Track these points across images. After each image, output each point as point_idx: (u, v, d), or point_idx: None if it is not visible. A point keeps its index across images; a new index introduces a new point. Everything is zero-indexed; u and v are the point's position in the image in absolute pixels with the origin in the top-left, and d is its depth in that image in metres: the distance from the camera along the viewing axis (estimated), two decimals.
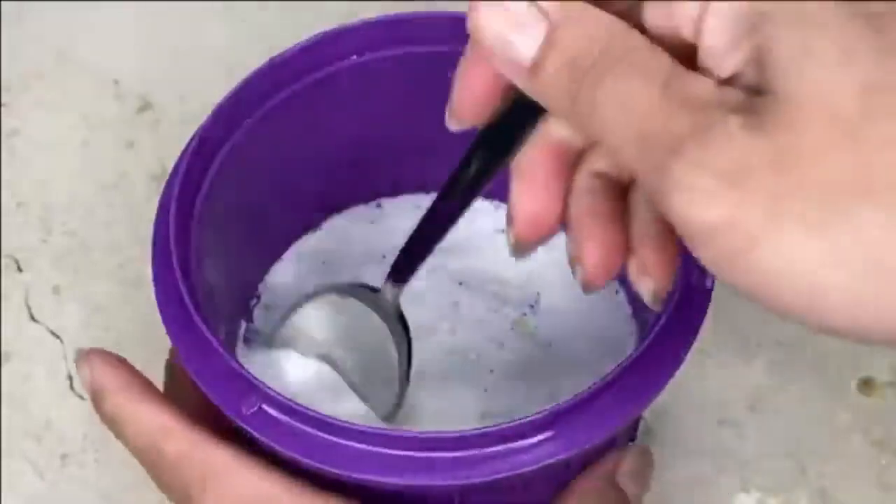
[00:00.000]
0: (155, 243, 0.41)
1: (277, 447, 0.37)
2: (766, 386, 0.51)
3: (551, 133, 0.34)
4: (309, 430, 0.37)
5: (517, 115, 0.34)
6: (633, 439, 0.46)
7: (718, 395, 0.50)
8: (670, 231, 0.32)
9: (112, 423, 0.40)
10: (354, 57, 0.45)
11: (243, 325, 0.48)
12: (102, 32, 0.63)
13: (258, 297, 0.49)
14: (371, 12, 0.63)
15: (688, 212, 0.28)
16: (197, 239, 0.41)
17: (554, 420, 0.36)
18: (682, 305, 0.39)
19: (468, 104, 0.34)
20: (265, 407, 0.37)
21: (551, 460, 0.36)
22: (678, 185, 0.27)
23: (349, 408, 0.44)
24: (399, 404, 0.44)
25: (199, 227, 0.42)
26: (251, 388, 0.37)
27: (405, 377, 0.43)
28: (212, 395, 0.38)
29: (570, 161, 0.34)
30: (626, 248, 0.34)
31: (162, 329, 0.53)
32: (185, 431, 0.38)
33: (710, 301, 0.40)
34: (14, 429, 0.51)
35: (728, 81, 0.29)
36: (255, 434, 0.37)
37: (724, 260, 0.28)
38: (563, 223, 0.35)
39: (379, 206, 0.51)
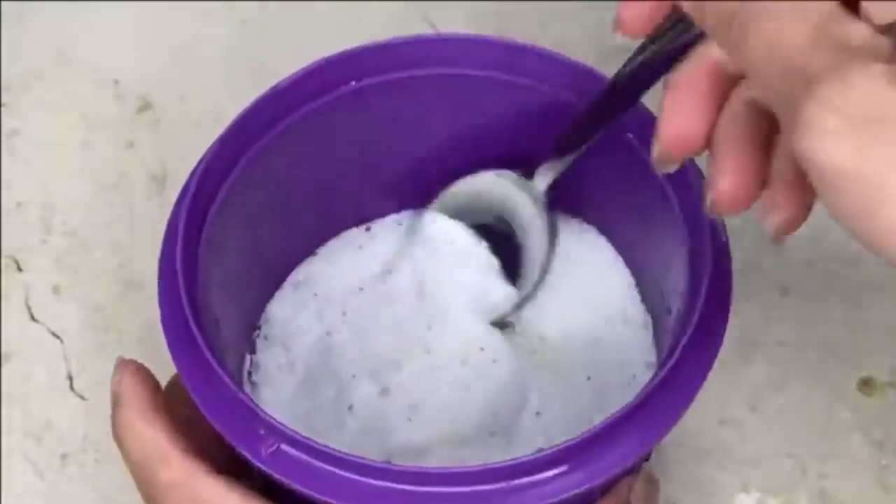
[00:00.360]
0: (162, 285, 0.41)
1: (298, 487, 0.36)
2: (766, 386, 0.51)
3: (711, 53, 0.34)
4: (327, 467, 0.36)
5: (678, 32, 0.35)
6: (647, 458, 0.46)
7: (718, 395, 0.50)
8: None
9: (117, 433, 0.40)
10: (353, 83, 0.45)
11: (248, 357, 0.48)
12: (102, 32, 0.63)
13: (258, 328, 0.48)
14: (371, 11, 0.63)
15: (814, 152, 0.27)
16: (203, 274, 0.41)
17: (569, 454, 0.36)
18: (698, 333, 0.39)
19: (635, 16, 0.35)
20: (283, 447, 0.37)
21: (566, 494, 0.36)
22: (809, 124, 0.27)
23: (493, 284, 0.45)
24: (532, 294, 0.45)
25: (204, 261, 0.41)
26: (269, 428, 0.37)
27: (546, 265, 0.44)
28: (228, 436, 0.37)
29: (726, 84, 0.34)
30: (762, 182, 0.34)
31: (160, 329, 0.53)
32: (182, 461, 0.38)
33: (725, 329, 0.39)
34: (14, 429, 0.51)
35: (886, 30, 0.29)
36: (275, 475, 0.37)
37: (847, 209, 0.27)
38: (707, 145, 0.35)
39: (368, 229, 0.51)
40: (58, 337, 0.53)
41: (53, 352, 0.53)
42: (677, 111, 0.34)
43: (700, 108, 0.34)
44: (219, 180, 0.43)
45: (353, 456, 0.36)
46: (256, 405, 0.37)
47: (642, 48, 0.37)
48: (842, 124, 0.27)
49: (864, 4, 0.29)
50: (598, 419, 0.37)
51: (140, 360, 0.53)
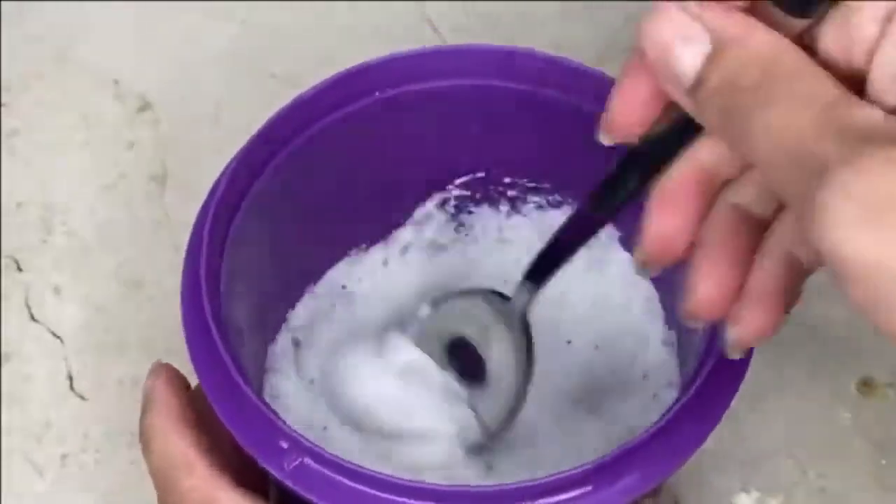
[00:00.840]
0: (186, 296, 0.41)
1: (319, 502, 0.36)
2: (766, 386, 0.51)
3: (699, 156, 0.34)
4: (350, 483, 0.36)
5: (675, 134, 0.34)
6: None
7: None
8: (788, 290, 0.32)
9: (145, 436, 0.40)
10: (377, 94, 0.45)
11: (267, 368, 0.48)
12: (102, 32, 0.63)
13: (276, 340, 0.48)
14: (371, 11, 0.63)
15: (831, 241, 0.26)
16: (226, 285, 0.41)
17: (593, 474, 0.36)
18: (723, 361, 0.38)
19: (625, 119, 0.34)
20: (307, 461, 0.37)
21: None
22: (824, 212, 0.26)
23: (457, 414, 0.44)
24: (507, 424, 0.43)
25: (227, 271, 0.41)
26: (292, 442, 0.37)
27: (521, 393, 0.43)
28: (251, 449, 0.37)
29: (713, 188, 0.34)
30: (738, 293, 0.33)
31: (161, 329, 0.53)
32: (205, 471, 0.38)
33: (752, 351, 0.39)
34: (14, 429, 0.51)
35: None
36: (297, 489, 0.37)
37: (866, 299, 0.26)
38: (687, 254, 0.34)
39: (385, 238, 0.50)
40: (58, 337, 0.53)
41: (53, 352, 0.53)
42: (661, 216, 0.34)
43: (685, 212, 0.34)
44: (243, 190, 0.43)
45: (375, 472, 0.36)
46: (280, 419, 0.37)
47: (624, 160, 0.36)
48: (859, 212, 0.26)
49: (873, 86, 0.29)
50: (620, 439, 0.37)
51: (140, 361, 0.53)
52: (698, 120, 0.31)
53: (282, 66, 0.61)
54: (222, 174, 0.43)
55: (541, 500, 0.36)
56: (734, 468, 0.49)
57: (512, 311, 0.42)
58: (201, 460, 0.38)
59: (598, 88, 0.43)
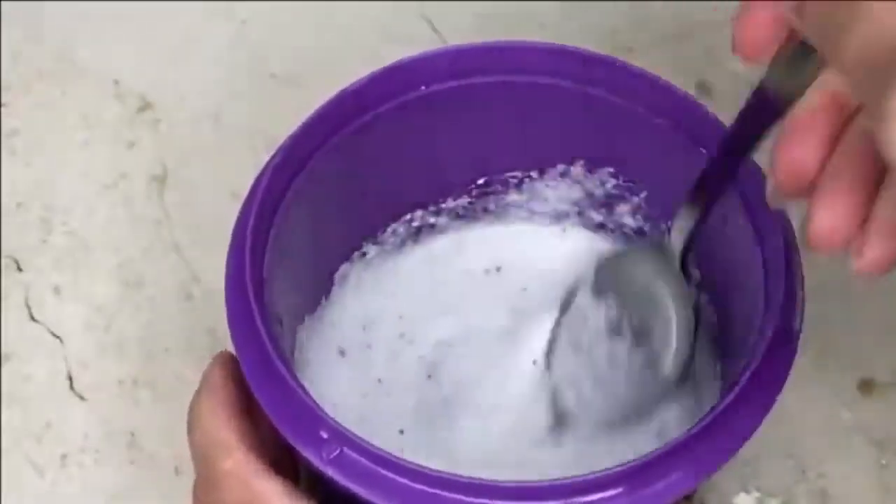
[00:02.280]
0: (230, 283, 0.41)
1: (358, 491, 0.37)
2: None
3: (831, 83, 0.34)
4: (388, 474, 0.37)
5: (798, 59, 0.34)
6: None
7: None
8: None
9: (192, 414, 0.41)
10: (423, 88, 0.45)
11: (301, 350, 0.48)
12: (102, 32, 0.63)
13: (305, 321, 0.49)
14: (371, 11, 0.63)
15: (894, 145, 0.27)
16: (269, 272, 0.42)
17: (625, 477, 0.37)
18: (766, 361, 0.39)
19: (749, 43, 0.34)
20: (346, 450, 0.37)
21: None
22: (889, 117, 0.27)
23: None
24: (684, 376, 0.43)
25: (270, 258, 0.42)
26: (332, 432, 0.37)
27: (688, 344, 0.43)
28: (290, 438, 0.38)
29: (844, 115, 0.34)
30: (861, 224, 0.33)
31: (161, 329, 0.53)
32: (244, 454, 0.39)
33: (791, 364, 0.40)
34: (14, 429, 0.51)
35: None
36: (336, 479, 0.37)
37: None
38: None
39: (423, 229, 0.51)
40: (58, 337, 0.53)
41: (53, 352, 0.53)
42: (793, 143, 0.35)
43: (817, 139, 0.34)
44: (287, 181, 0.43)
45: (412, 464, 0.37)
46: (321, 409, 0.38)
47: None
48: None
49: None
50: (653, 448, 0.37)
51: (140, 361, 0.53)
52: (799, 29, 0.32)
53: (282, 66, 0.61)
54: (265, 167, 0.43)
55: (574, 499, 0.36)
56: (734, 468, 0.49)
57: (670, 259, 0.42)
58: (241, 444, 0.39)
59: (654, 93, 0.44)
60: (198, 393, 0.41)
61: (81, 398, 0.52)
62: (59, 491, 0.50)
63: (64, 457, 0.50)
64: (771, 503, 0.48)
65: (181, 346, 0.53)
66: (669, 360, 0.43)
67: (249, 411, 0.41)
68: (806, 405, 0.50)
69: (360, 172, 0.46)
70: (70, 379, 0.52)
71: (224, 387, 0.41)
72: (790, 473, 0.49)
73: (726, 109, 0.40)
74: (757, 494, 0.48)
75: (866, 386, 0.51)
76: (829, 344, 0.52)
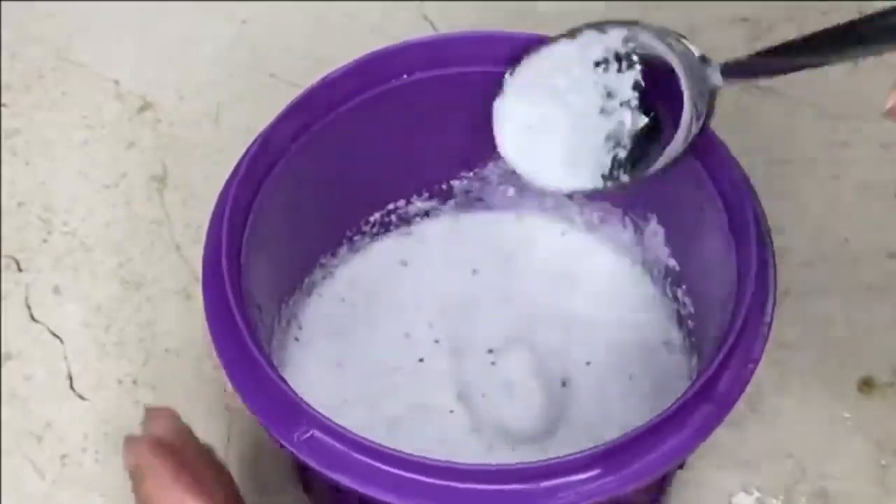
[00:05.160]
0: (207, 270, 0.42)
1: (328, 473, 0.37)
2: (766, 386, 0.51)
3: None
4: (359, 457, 0.37)
5: None
6: (681, 466, 0.46)
7: None
8: None
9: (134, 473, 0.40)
10: (405, 76, 0.45)
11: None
12: (102, 32, 0.63)
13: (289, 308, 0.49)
14: (370, 11, 0.63)
15: None
16: (247, 259, 0.42)
17: (601, 458, 0.37)
18: (737, 344, 0.39)
19: None
20: (317, 433, 0.37)
21: (598, 498, 0.36)
22: None
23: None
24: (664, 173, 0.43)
25: (248, 246, 0.42)
26: (304, 414, 0.37)
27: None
28: (262, 419, 0.38)
29: None
30: None
31: (161, 329, 0.53)
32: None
33: (765, 343, 0.40)
34: (14, 429, 0.51)
35: None
36: (306, 460, 0.37)
37: None
38: None
39: (409, 233, 0.52)
40: (58, 337, 0.53)
41: (53, 352, 0.53)
42: None
43: None
44: (263, 172, 0.43)
45: (385, 447, 0.37)
46: (294, 392, 0.38)
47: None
48: None
49: None
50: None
51: (139, 361, 0.53)
52: None
53: (282, 66, 0.61)
54: (244, 155, 0.43)
55: (548, 482, 0.36)
56: (734, 468, 0.49)
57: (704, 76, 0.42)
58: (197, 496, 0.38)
59: None
60: (140, 482, 0.39)
61: (81, 398, 0.52)
62: (59, 491, 0.50)
63: (64, 457, 0.50)
64: (771, 503, 0.48)
65: (181, 346, 0.53)
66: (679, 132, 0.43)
67: (198, 479, 0.39)
68: (806, 405, 0.50)
69: (334, 165, 0.47)
70: (70, 379, 0.52)
71: (162, 467, 0.39)
72: (790, 473, 0.49)
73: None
74: (757, 494, 0.48)
75: (866, 386, 0.51)
76: (829, 344, 0.52)
